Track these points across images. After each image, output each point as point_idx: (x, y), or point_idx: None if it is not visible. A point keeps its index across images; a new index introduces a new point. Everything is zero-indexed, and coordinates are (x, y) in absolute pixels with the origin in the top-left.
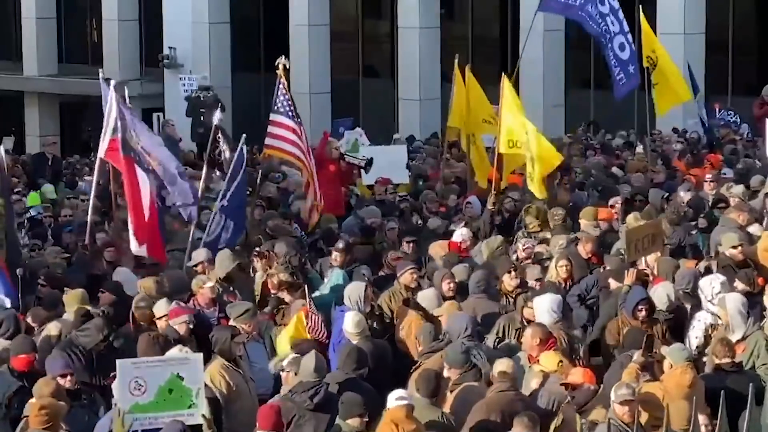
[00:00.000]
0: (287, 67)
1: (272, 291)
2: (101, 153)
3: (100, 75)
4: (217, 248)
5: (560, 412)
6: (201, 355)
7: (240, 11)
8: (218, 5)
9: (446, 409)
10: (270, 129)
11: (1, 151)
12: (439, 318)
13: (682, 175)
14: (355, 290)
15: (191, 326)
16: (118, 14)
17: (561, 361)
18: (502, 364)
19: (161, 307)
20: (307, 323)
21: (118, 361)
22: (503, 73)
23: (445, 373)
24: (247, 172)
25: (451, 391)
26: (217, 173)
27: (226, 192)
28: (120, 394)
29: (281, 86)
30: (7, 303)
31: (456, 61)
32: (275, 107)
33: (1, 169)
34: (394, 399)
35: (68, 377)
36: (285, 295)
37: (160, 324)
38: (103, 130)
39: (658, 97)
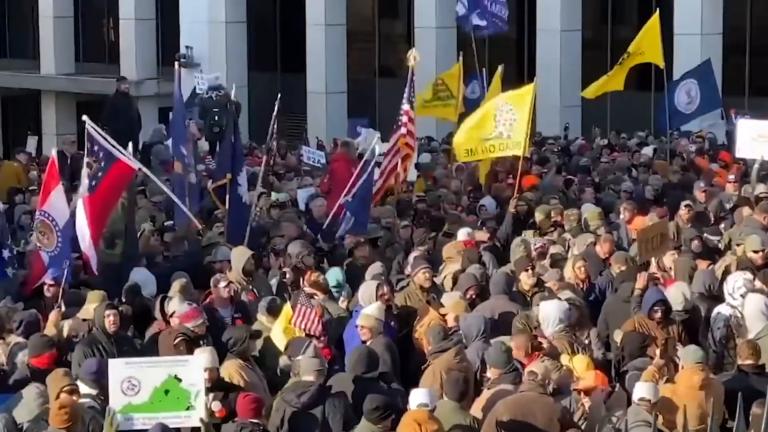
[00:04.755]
0: (417, 59)
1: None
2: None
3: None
4: (335, 238)
5: (583, 404)
6: (202, 357)
7: (256, 11)
8: (235, 5)
9: (477, 408)
10: (400, 118)
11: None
12: (445, 316)
13: (706, 173)
14: (367, 290)
15: (207, 325)
16: (135, 13)
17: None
18: (533, 365)
19: (175, 305)
20: (294, 316)
21: (110, 361)
22: (526, 77)
23: (487, 374)
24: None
25: (489, 389)
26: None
27: (352, 187)
28: (112, 393)
29: (413, 77)
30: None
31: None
32: (408, 98)
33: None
34: (416, 404)
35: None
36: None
37: (173, 321)
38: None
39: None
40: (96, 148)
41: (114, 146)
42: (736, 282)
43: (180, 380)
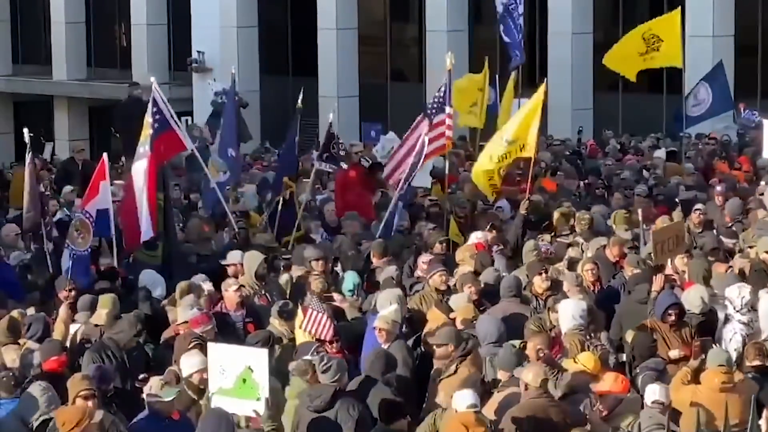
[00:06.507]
0: (453, 62)
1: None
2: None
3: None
4: (391, 234)
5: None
6: (265, 351)
7: (268, 15)
8: (246, 9)
9: (489, 411)
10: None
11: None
12: (454, 319)
13: (722, 176)
14: (389, 296)
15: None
16: (147, 18)
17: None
18: (523, 372)
19: (180, 311)
20: (305, 321)
21: (208, 344)
22: (545, 79)
23: (499, 375)
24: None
25: (498, 392)
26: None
27: (405, 182)
28: (210, 375)
29: (450, 81)
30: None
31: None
32: (448, 102)
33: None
34: (465, 406)
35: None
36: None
37: (182, 328)
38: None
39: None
40: (155, 110)
41: (173, 116)
42: (743, 298)
43: (252, 371)
